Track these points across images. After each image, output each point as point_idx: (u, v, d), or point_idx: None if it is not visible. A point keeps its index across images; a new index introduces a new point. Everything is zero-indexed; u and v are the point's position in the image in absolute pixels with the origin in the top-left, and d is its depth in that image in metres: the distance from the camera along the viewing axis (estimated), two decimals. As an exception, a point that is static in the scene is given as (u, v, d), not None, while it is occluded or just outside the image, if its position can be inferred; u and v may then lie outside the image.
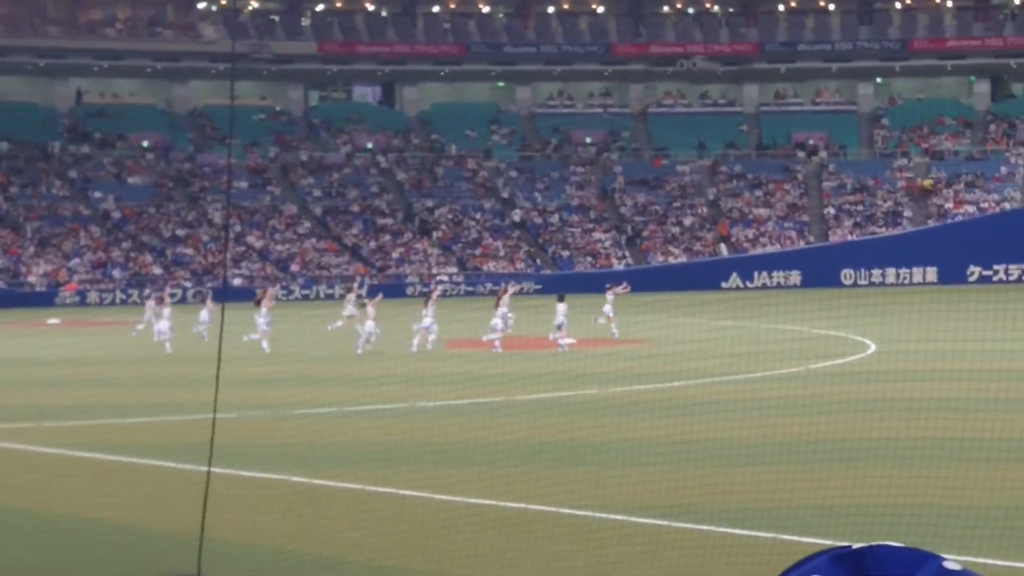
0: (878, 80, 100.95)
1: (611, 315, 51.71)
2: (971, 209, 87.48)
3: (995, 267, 79.90)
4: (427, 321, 48.35)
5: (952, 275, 76.58)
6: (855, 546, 3.83)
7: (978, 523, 20.68)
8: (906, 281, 79.45)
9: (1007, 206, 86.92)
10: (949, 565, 3.75)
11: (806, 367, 41.10)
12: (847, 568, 3.67)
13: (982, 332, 49.37)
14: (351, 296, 58.76)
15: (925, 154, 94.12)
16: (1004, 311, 50.43)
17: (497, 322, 48.17)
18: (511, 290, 55.04)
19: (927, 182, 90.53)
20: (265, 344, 49.24)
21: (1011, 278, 79.73)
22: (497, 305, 48.55)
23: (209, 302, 57.19)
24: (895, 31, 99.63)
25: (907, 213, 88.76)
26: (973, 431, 28.03)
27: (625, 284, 55.69)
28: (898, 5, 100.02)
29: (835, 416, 30.60)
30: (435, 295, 51.20)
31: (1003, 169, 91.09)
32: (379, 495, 23.16)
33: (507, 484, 23.79)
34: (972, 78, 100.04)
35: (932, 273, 79.77)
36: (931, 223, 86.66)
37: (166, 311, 52.12)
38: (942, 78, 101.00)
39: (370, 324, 48.63)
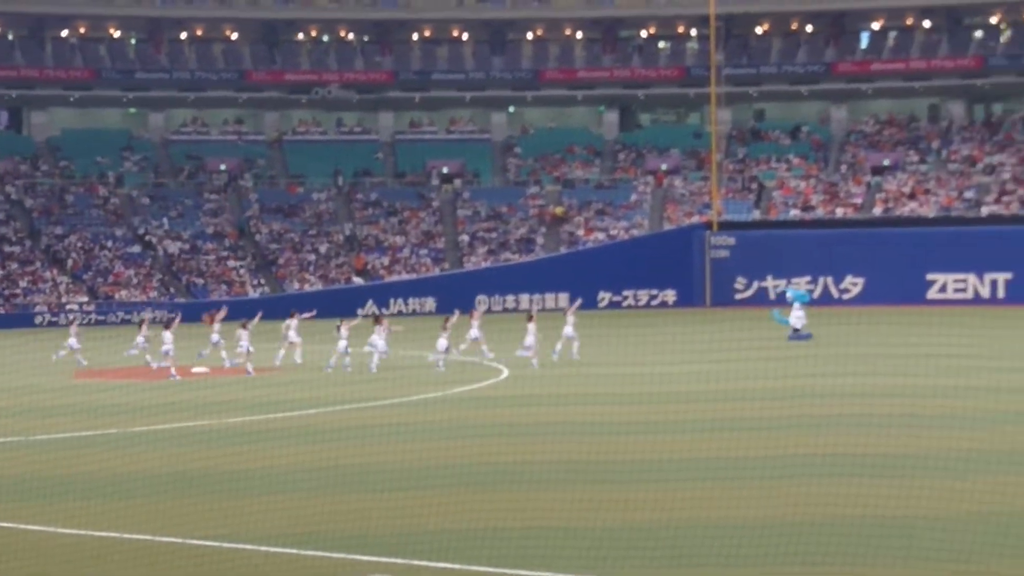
0: (511, 109, 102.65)
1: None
2: (601, 236, 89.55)
3: (625, 293, 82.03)
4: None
5: (583, 300, 78.29)
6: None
7: (603, 543, 20.99)
8: (539, 307, 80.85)
9: (635, 233, 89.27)
10: None
11: (444, 392, 41.27)
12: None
13: (612, 356, 50.48)
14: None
15: (557, 182, 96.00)
16: (634, 335, 51.59)
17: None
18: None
19: (559, 210, 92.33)
20: None
21: (640, 303, 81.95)
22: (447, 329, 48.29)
23: None
24: (527, 61, 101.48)
25: (540, 240, 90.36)
26: (599, 453, 28.51)
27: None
28: (530, 36, 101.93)
29: (469, 440, 30.76)
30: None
31: (632, 197, 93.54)
32: (2, 530, 22.24)
33: (134, 516, 23.16)
34: (601, 108, 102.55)
35: (564, 299, 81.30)
36: (563, 250, 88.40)
37: None
38: (573, 108, 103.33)
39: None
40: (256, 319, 51.89)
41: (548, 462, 27.76)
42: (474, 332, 49.68)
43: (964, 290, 78.81)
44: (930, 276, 79.13)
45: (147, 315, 56.08)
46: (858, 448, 28.33)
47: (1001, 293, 78.07)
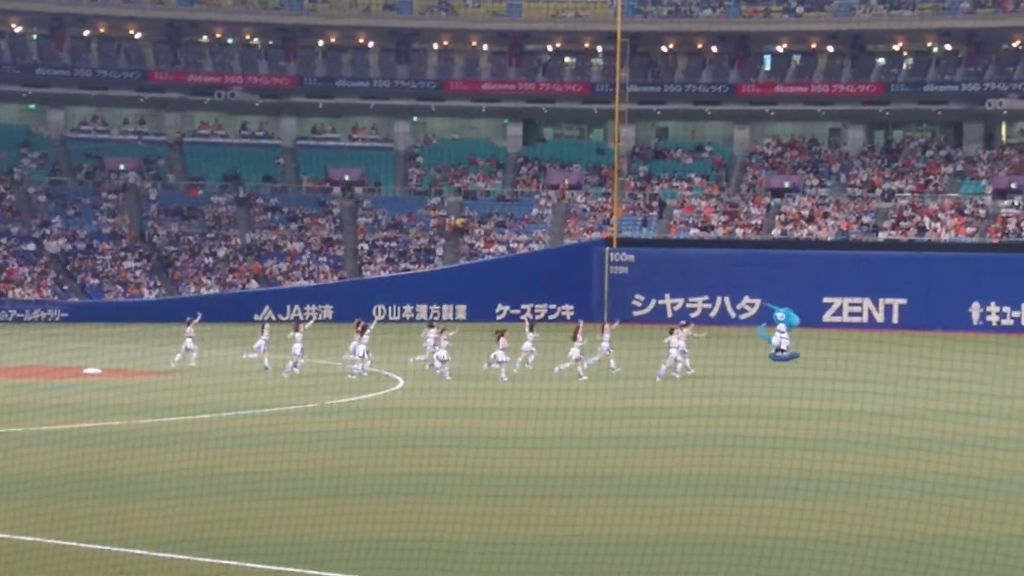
0: (414, 119, 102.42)
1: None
2: (501, 249, 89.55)
3: (523, 306, 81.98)
4: None
5: (481, 313, 78.12)
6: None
7: (493, 556, 20.90)
8: (437, 317, 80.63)
9: (535, 247, 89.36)
10: None
11: (337, 401, 41.06)
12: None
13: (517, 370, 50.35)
14: None
15: (458, 193, 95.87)
16: (539, 348, 51.62)
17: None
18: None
19: (459, 221, 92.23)
20: None
21: (538, 317, 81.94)
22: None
23: None
24: (432, 71, 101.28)
25: (439, 251, 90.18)
26: (491, 467, 28.44)
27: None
28: (435, 46, 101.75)
29: (363, 451, 30.60)
30: None
31: (533, 211, 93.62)
32: None
33: (22, 518, 22.82)
34: (505, 121, 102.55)
35: (462, 310, 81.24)
36: (462, 261, 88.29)
37: None
38: (477, 120, 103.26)
39: None
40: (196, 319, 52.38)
41: (439, 474, 27.65)
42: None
43: (859, 314, 79.52)
44: (827, 299, 79.77)
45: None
46: (748, 468, 28.45)
47: (896, 318, 78.82)
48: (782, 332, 54.63)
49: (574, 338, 49.25)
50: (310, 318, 53.32)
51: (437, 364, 48.86)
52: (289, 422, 36.02)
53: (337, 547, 21.17)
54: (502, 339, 48.42)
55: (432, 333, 50.96)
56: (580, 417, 36.42)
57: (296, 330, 50.63)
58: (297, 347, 49.19)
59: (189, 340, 51.53)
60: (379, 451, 30.60)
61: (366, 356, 48.66)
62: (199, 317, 54.43)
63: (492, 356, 48.46)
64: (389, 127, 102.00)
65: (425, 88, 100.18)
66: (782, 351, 54.43)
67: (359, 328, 49.32)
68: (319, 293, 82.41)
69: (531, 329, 51.96)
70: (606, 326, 53.67)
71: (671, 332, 49.79)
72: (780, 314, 55.93)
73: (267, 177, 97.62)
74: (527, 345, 50.69)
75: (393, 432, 34.06)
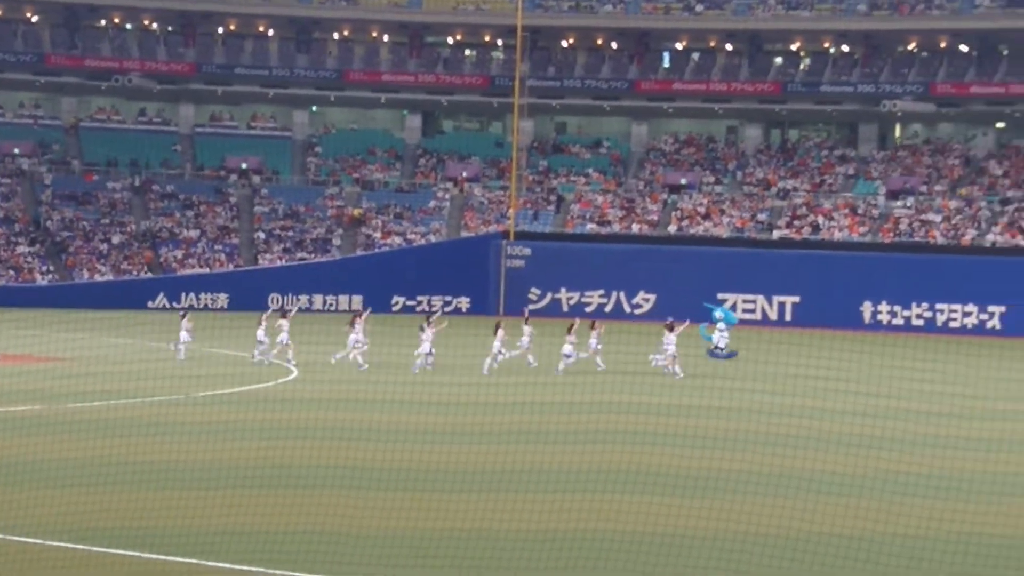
0: (313, 108, 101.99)
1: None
2: (399, 240, 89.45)
3: (419, 298, 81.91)
4: None
5: (377, 304, 77.94)
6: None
7: (383, 548, 20.96)
8: (332, 308, 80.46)
9: (432, 239, 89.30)
10: None
11: (230, 391, 40.89)
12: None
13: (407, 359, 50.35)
14: None
15: (356, 184, 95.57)
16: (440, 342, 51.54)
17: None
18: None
19: (357, 211, 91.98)
20: None
21: (433, 310, 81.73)
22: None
23: None
24: (332, 61, 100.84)
25: (336, 241, 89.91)
26: (384, 460, 28.46)
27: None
28: (336, 36, 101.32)
29: (251, 442, 30.53)
30: None
31: (431, 203, 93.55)
32: None
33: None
34: (405, 112, 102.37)
35: (358, 301, 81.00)
36: (359, 252, 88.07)
37: None
38: (376, 110, 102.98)
39: None
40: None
41: (328, 466, 27.62)
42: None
43: (753, 311, 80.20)
44: (721, 296, 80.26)
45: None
46: (639, 465, 28.67)
47: (788, 316, 79.65)
48: (722, 331, 54.98)
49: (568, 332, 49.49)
50: (295, 307, 53.09)
51: (420, 359, 48.49)
52: (180, 411, 35.84)
53: (225, 538, 21.13)
54: (499, 331, 49.01)
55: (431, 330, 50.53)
56: (474, 412, 36.48)
57: (283, 317, 50.31)
58: (284, 336, 49.05)
59: (185, 333, 51.19)
60: (267, 442, 30.52)
61: (286, 342, 48.72)
62: (186, 313, 54.18)
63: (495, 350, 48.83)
64: (288, 116, 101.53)
65: (325, 78, 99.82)
66: (720, 349, 54.76)
67: (353, 320, 49.63)
68: (214, 281, 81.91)
69: (499, 327, 51.16)
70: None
71: (670, 330, 50.05)
72: (719, 312, 56.48)
73: (164, 163, 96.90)
74: (497, 344, 50.06)
75: (282, 423, 33.97)
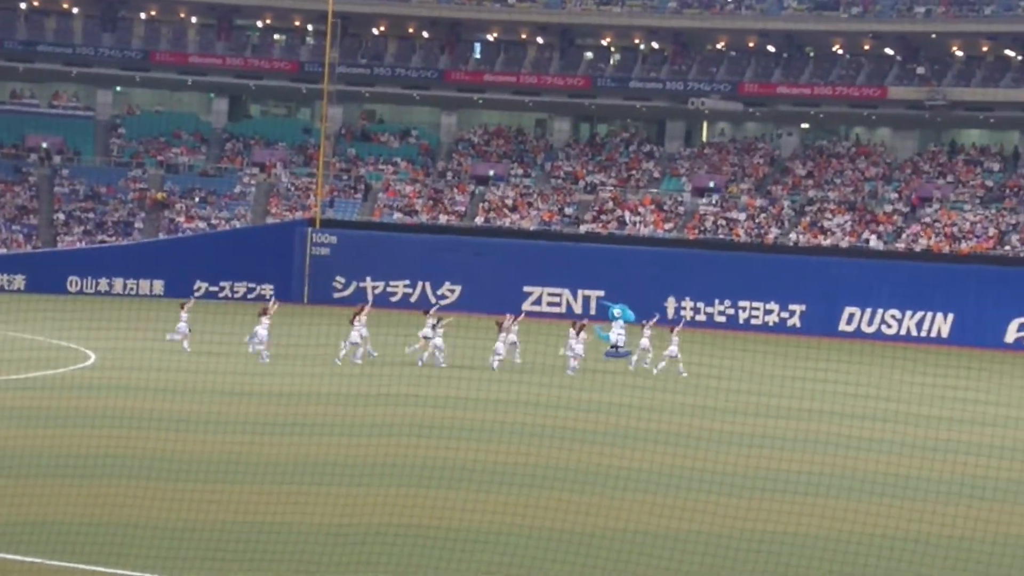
0: (118, 88, 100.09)
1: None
2: (203, 225, 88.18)
3: (222, 283, 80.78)
4: None
5: (179, 289, 76.57)
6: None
7: (179, 541, 20.37)
8: (133, 292, 79.04)
9: (237, 224, 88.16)
10: None
11: (24, 376, 39.78)
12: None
13: (207, 346, 49.56)
14: None
15: (160, 166, 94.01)
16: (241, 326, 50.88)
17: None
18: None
19: (161, 195, 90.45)
20: None
21: (237, 296, 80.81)
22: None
23: None
24: (138, 41, 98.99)
25: (139, 224, 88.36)
26: (182, 451, 27.80)
27: None
28: (142, 16, 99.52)
29: (41, 429, 29.70)
30: None
31: (236, 188, 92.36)
32: None
33: None
34: (212, 95, 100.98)
35: (160, 285, 79.72)
36: (162, 236, 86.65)
37: None
38: (182, 92, 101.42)
39: None
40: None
41: (119, 455, 26.95)
42: None
43: (558, 304, 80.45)
44: (527, 288, 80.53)
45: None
46: (426, 459, 28.42)
47: (593, 310, 79.96)
48: (620, 330, 54.76)
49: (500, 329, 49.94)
50: (272, 300, 52.26)
51: (435, 353, 48.78)
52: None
53: (11, 529, 20.46)
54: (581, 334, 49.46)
55: (430, 321, 50.08)
56: (287, 404, 35.92)
57: (264, 313, 49.53)
58: (262, 331, 48.58)
59: (183, 324, 50.33)
60: (58, 429, 29.70)
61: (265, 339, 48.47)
62: (192, 300, 53.88)
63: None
64: (91, 96, 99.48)
65: (130, 58, 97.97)
66: (617, 348, 54.53)
67: (355, 314, 49.31)
68: (11, 262, 79.94)
69: (436, 324, 50.92)
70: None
71: (670, 331, 51.19)
72: (616, 310, 56.39)
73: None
74: (438, 341, 49.74)
75: (74, 410, 33.12)
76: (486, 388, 39.56)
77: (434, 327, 49.37)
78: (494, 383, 41.33)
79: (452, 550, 20.68)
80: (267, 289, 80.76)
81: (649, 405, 36.90)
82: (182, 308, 50.76)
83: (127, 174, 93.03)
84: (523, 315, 56.71)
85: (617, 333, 54.47)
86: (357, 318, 49.20)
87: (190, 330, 49.89)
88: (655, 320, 55.41)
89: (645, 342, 52.13)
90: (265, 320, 48.68)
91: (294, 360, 48.09)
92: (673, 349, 50.66)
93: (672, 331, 51.84)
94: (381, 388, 36.66)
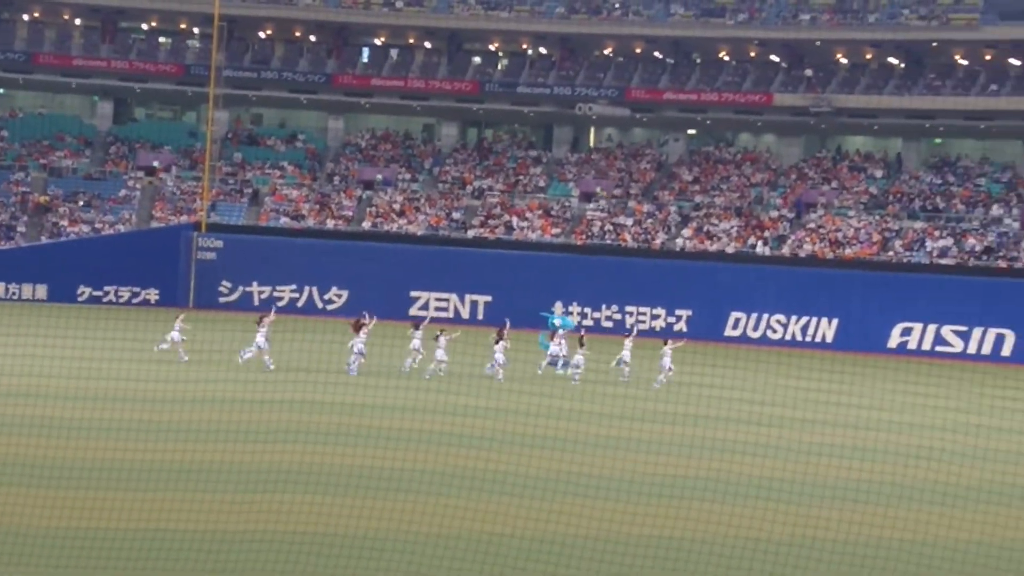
0: (1, 91, 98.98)
1: None
2: (86, 229, 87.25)
3: (106, 288, 79.97)
4: None
5: (62, 294, 75.71)
6: None
7: (52, 545, 20.14)
8: (15, 296, 78.08)
9: (122, 228, 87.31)
10: None
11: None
12: None
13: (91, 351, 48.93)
14: None
15: (44, 170, 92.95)
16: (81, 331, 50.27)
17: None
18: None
19: (43, 198, 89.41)
20: None
21: (121, 300, 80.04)
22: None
23: None
24: (21, 43, 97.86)
25: (21, 228, 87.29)
26: (64, 456, 27.50)
27: None
28: (25, 17, 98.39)
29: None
30: None
31: (121, 191, 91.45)
32: None
33: None
34: (96, 98, 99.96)
35: (42, 290, 78.78)
36: (45, 240, 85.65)
37: None
38: (66, 95, 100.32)
39: None
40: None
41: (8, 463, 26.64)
42: None
43: (446, 309, 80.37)
44: (414, 293, 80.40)
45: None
46: (312, 465, 28.31)
47: (481, 315, 79.95)
48: (560, 340, 54.68)
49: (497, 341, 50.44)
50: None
51: (433, 365, 49.42)
52: None
53: None
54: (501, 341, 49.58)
55: (418, 334, 50.79)
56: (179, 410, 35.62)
57: (260, 324, 49.66)
58: (261, 339, 48.82)
59: (176, 333, 50.91)
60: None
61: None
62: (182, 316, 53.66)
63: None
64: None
65: (13, 60, 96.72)
66: (558, 357, 54.39)
67: (356, 324, 49.42)
68: None
69: (417, 328, 51.58)
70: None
71: (664, 343, 51.82)
72: (557, 320, 56.38)
73: None
74: (416, 343, 50.49)
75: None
76: (392, 395, 39.43)
77: (437, 338, 50.09)
78: (411, 391, 41.24)
79: (339, 556, 20.64)
80: (152, 294, 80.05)
81: (536, 411, 36.97)
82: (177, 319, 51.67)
83: (9, 177, 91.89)
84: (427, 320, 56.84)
85: (558, 343, 54.78)
86: (260, 325, 49.32)
87: (183, 339, 50.49)
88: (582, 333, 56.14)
89: (580, 358, 52.13)
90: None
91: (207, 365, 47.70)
92: (626, 354, 51.80)
93: (626, 338, 52.96)
94: (284, 394, 36.50)
